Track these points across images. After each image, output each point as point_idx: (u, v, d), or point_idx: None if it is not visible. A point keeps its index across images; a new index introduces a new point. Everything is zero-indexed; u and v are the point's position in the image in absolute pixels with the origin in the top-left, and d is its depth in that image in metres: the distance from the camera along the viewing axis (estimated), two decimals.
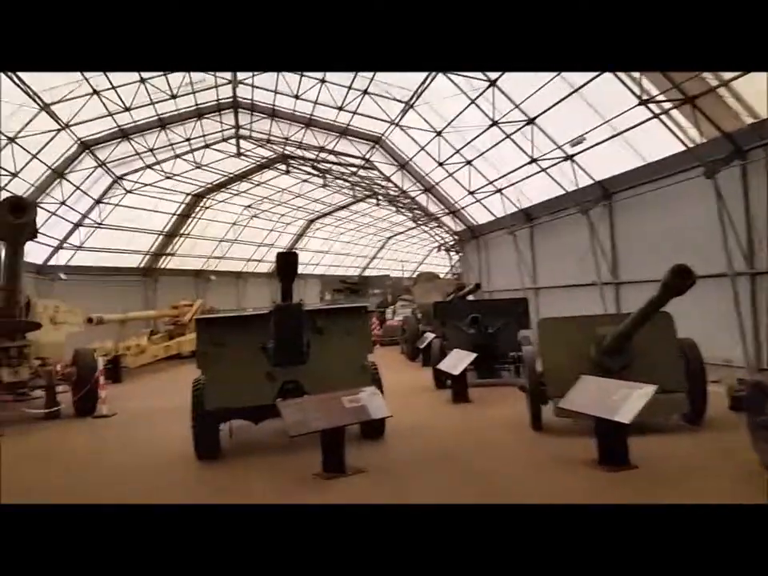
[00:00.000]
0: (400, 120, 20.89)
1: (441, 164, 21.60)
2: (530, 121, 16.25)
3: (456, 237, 28.52)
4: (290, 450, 8.00)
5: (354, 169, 27.51)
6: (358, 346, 8.92)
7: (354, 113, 21.21)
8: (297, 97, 20.45)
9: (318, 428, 7.03)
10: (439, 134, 20.04)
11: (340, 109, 20.97)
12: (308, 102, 21.12)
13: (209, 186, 28.82)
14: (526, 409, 8.82)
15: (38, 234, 9.71)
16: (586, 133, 14.77)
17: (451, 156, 20.77)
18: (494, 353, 12.42)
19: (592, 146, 15.12)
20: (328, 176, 29.27)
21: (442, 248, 30.85)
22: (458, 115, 18.39)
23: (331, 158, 26.33)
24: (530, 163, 17.44)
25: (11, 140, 16.40)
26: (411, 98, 19.15)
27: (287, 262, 7.65)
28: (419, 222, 31.74)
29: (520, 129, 16.81)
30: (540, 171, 17.59)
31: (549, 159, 16.64)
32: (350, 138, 23.85)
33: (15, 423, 11.45)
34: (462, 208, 24.87)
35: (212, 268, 33.04)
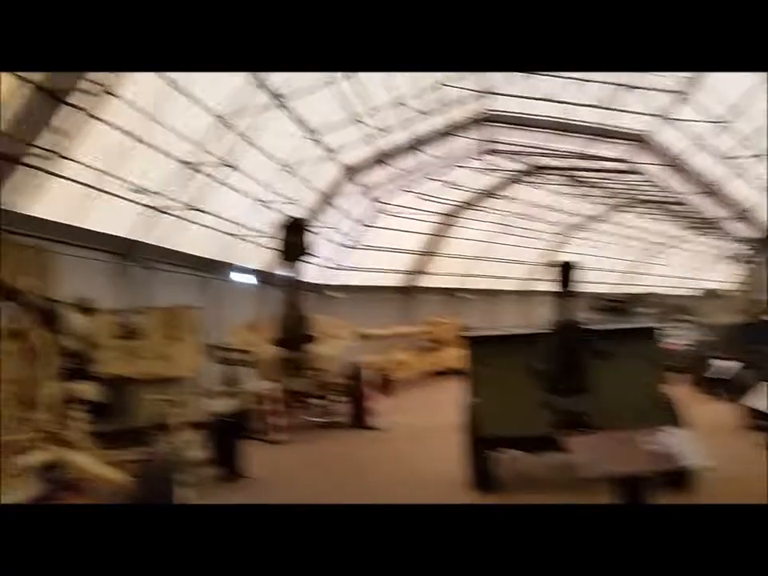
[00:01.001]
0: (670, 113, 18.37)
1: (728, 158, 18.44)
2: None
3: (749, 245, 24.24)
4: (574, 489, 6.90)
5: (614, 174, 25.25)
6: (650, 373, 7.55)
7: (614, 110, 19.27)
8: (549, 100, 19.28)
9: (614, 472, 5.86)
10: (724, 123, 17.10)
11: (597, 108, 19.22)
12: (562, 105, 19.78)
13: (459, 204, 29.01)
14: None
15: (312, 254, 10.24)
16: None
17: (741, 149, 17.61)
18: None
19: None
20: (583, 185, 27.36)
21: (731, 259, 26.54)
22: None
23: (587, 164, 24.52)
24: None
25: (286, 168, 18.15)
26: (685, 87, 16.68)
27: (568, 272, 6.71)
28: (703, 227, 27.73)
29: None
30: None
31: None
32: (608, 139, 21.86)
33: (297, 430, 12.23)
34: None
35: (464, 286, 33.10)
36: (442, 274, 31.64)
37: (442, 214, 28.99)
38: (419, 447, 10.42)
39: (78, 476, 4.73)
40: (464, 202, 29.06)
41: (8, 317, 5.03)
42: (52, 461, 4.53)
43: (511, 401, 7.31)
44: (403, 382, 19.37)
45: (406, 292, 29.82)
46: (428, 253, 30.25)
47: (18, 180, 10.14)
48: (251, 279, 19.29)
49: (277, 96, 15.25)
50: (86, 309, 6.96)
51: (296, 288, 11.81)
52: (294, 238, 9.27)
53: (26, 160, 10.05)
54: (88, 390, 5.99)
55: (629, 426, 6.25)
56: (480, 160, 25.43)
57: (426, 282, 30.97)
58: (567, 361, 7.34)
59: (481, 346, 7.99)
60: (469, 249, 32.40)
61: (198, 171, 14.81)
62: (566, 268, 7.06)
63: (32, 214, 10.95)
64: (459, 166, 25.12)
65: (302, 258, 10.63)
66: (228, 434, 8.45)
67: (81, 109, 10.73)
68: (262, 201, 18.29)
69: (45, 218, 11.31)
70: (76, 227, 12.34)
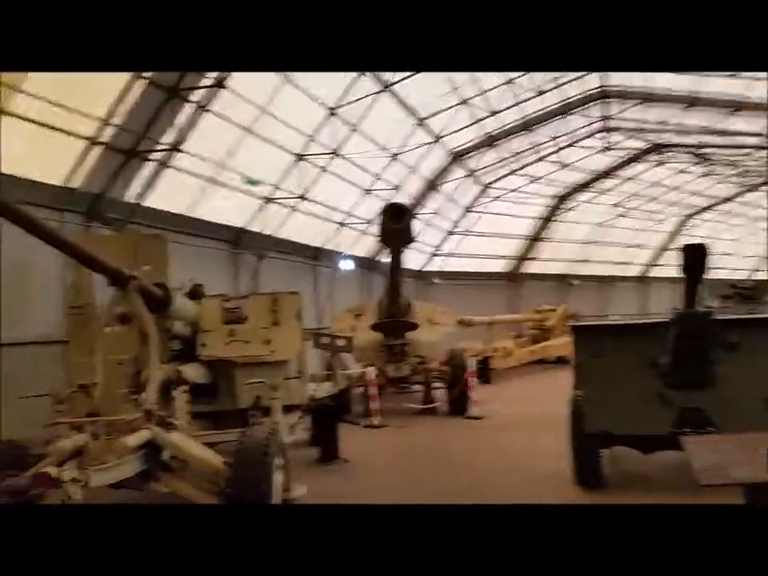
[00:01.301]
0: None
1: None
2: None
3: None
4: (691, 492, 6.29)
5: (748, 150, 22.94)
6: None
7: (755, 79, 17.37)
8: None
9: (740, 479, 5.23)
10: None
11: (733, 75, 17.39)
12: (691, 76, 18.13)
13: (573, 186, 27.69)
14: None
15: (415, 240, 10.08)
16: None
17: None
18: None
19: None
20: (711, 163, 25.13)
21: None
22: None
23: (717, 140, 22.43)
24: None
25: (394, 156, 18.08)
26: None
27: (696, 256, 6.06)
28: None
29: None
30: None
31: None
32: (744, 113, 19.81)
33: (397, 415, 12.25)
34: None
35: (575, 272, 31.69)
36: (553, 260, 30.44)
37: (554, 196, 27.77)
38: (519, 438, 10.06)
39: (178, 457, 4.90)
40: (579, 184, 27.66)
41: (120, 302, 5.28)
42: (153, 440, 4.71)
43: (621, 394, 6.77)
44: (505, 370, 18.93)
45: (514, 278, 29.05)
46: (538, 237, 29.18)
47: (135, 173, 10.80)
48: (356, 266, 19.51)
49: (383, 81, 15.16)
50: (195, 294, 7.24)
51: (399, 274, 11.75)
52: (396, 224, 9.14)
53: (143, 153, 10.64)
54: (192, 372, 6.21)
55: (760, 427, 5.59)
56: (597, 138, 24.05)
57: (535, 268, 29.99)
58: (688, 352, 6.67)
59: (589, 335, 7.46)
60: (583, 233, 30.89)
61: (305, 160, 15.08)
62: (691, 251, 6.39)
63: (150, 205, 11.64)
64: (573, 146, 23.80)
65: (405, 244, 10.51)
66: (327, 417, 8.54)
67: (194, 102, 11.24)
68: (368, 189, 18.36)
69: (162, 208, 11.99)
70: (192, 218, 13.02)
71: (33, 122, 8.51)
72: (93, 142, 9.71)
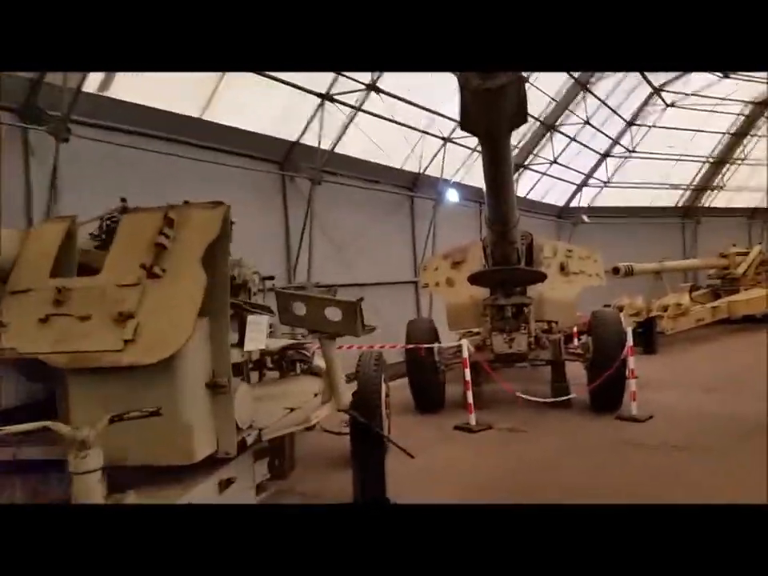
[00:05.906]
0: None
1: None
2: None
3: None
4: None
5: None
6: None
7: None
8: None
9: None
10: None
11: None
12: None
13: None
14: None
15: (527, 120, 5.37)
16: None
17: None
18: None
19: None
20: None
21: None
22: None
23: None
24: None
25: None
26: None
27: None
28: None
29: None
30: None
31: None
32: None
33: (508, 409, 8.77)
34: None
35: None
36: (745, 189, 25.57)
37: (752, 102, 21.90)
38: (695, 459, 6.06)
39: None
40: None
41: None
42: None
43: None
44: (678, 334, 15.01)
45: (690, 213, 24.95)
46: (726, 159, 24.10)
47: None
48: (468, 199, 15.72)
49: None
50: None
51: (506, 186, 7.04)
52: (483, 79, 4.45)
53: None
54: None
55: None
56: None
57: (720, 200, 25.52)
58: None
59: None
60: None
61: None
62: None
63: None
64: None
65: (512, 125, 5.73)
66: (364, 444, 4.83)
67: None
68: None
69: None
70: (207, 121, 9.37)
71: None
72: None
